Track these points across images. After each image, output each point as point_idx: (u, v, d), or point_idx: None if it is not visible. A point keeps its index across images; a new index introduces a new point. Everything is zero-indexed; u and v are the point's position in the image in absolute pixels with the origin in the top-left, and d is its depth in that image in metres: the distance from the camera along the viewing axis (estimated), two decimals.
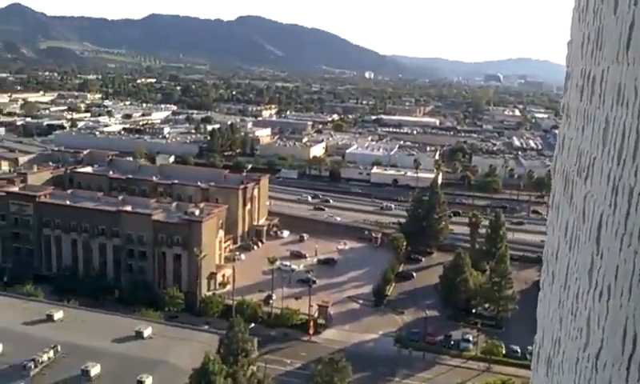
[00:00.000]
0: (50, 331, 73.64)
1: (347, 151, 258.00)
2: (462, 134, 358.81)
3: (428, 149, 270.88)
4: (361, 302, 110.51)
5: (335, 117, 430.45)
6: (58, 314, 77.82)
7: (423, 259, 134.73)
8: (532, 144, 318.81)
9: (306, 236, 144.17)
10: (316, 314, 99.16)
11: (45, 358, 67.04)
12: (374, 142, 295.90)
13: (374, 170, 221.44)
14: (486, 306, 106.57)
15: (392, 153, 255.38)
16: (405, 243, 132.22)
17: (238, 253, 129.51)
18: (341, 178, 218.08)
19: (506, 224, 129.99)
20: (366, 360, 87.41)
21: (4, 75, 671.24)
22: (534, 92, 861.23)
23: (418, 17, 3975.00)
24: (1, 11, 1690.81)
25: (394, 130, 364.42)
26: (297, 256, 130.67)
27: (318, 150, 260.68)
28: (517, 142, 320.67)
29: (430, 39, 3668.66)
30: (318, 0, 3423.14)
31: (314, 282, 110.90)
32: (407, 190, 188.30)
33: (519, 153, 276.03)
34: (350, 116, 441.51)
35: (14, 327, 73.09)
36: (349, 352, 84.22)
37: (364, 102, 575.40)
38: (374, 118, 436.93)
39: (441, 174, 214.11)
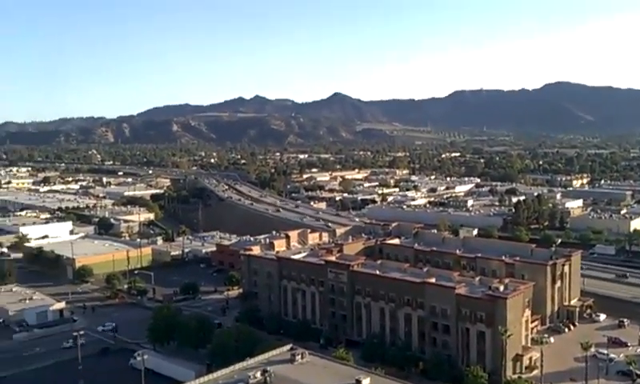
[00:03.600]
0: None
1: None
2: None
3: None
4: None
5: None
6: (366, 381, 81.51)
7: None
8: None
9: (627, 321, 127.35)
10: None
11: None
12: None
13: None
14: None
15: None
16: None
17: (546, 335, 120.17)
18: None
19: None
20: None
21: (326, 156, 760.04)
22: None
23: None
24: (326, 100, 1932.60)
25: None
26: (616, 343, 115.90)
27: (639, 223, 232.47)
28: None
29: None
30: (631, 60, 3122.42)
31: (638, 375, 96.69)
32: None
33: None
34: None
35: None
36: None
37: None
38: None
39: None
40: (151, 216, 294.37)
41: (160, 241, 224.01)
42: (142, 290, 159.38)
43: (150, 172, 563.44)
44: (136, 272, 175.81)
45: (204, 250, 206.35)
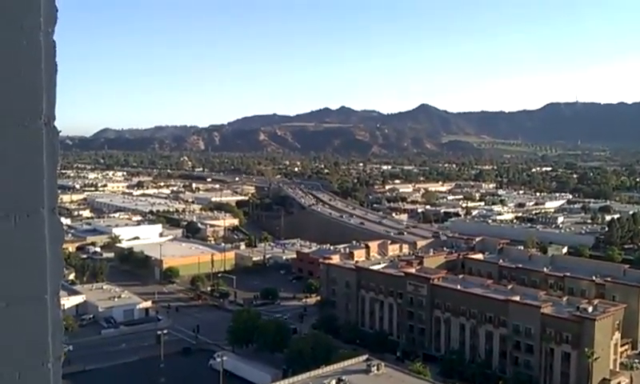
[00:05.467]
0: None
1: None
2: None
3: None
4: None
5: None
6: None
7: None
8: None
9: None
10: None
11: None
12: None
13: None
14: None
15: None
16: None
17: (637, 360, 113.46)
18: None
19: None
20: None
21: (410, 167, 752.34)
22: None
23: None
24: (412, 111, 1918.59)
25: None
26: None
27: None
28: None
29: None
30: None
31: None
32: None
33: None
34: None
35: None
36: None
37: None
38: None
39: None
40: (236, 222, 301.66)
41: (243, 246, 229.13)
42: (224, 293, 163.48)
43: (237, 179, 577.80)
44: (219, 275, 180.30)
45: (284, 257, 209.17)
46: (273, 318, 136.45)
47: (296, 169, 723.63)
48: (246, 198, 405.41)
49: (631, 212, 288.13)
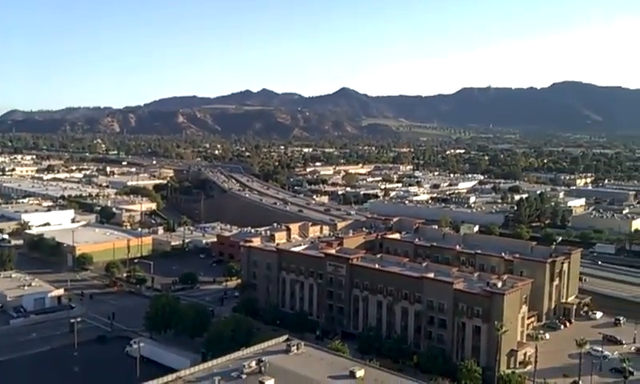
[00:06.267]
0: None
1: None
2: None
3: None
4: None
5: None
6: (360, 372, 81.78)
7: None
8: None
9: (622, 319, 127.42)
10: None
11: None
12: None
13: None
14: None
15: None
16: None
17: (542, 331, 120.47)
18: None
19: None
20: None
21: (331, 150, 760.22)
22: None
23: None
24: (333, 95, 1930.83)
25: None
26: (610, 341, 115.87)
27: None
28: None
29: None
30: None
31: (631, 373, 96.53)
32: None
33: None
34: None
35: (320, 379, 79.14)
36: None
37: None
38: None
39: None
40: (153, 206, 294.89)
41: (161, 231, 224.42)
42: (141, 279, 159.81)
43: (154, 162, 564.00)
44: (136, 261, 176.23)
45: (204, 241, 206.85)
46: (192, 302, 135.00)
47: (216, 152, 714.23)
48: (164, 181, 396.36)
49: (538, 192, 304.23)
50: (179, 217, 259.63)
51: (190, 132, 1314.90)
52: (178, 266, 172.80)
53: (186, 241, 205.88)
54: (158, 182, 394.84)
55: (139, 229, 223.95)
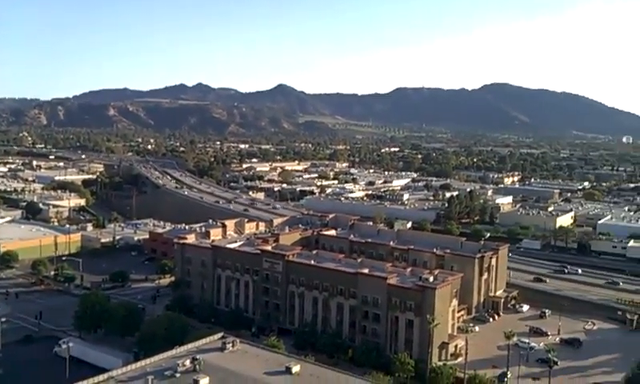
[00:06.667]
0: None
1: (599, 222, 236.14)
2: None
3: None
4: None
5: (586, 184, 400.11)
6: (296, 368, 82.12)
7: None
8: None
9: (547, 312, 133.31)
10: None
11: None
12: (631, 213, 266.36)
13: (631, 243, 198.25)
14: None
15: None
16: None
17: (471, 324, 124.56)
18: (591, 250, 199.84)
19: None
20: None
21: (267, 147, 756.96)
22: None
23: None
24: (270, 91, 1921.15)
25: None
26: (537, 333, 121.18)
27: (565, 220, 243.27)
28: None
29: None
30: (568, 63, 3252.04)
31: (556, 362, 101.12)
32: None
33: None
34: (604, 184, 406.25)
35: (255, 376, 78.96)
36: None
37: (620, 169, 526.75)
38: (632, 186, 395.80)
39: None
40: (82, 202, 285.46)
41: (90, 227, 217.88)
42: (70, 277, 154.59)
43: (83, 157, 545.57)
44: (64, 259, 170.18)
45: (136, 238, 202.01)
46: (123, 300, 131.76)
47: (149, 146, 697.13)
48: (94, 176, 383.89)
49: (468, 189, 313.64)
50: (109, 213, 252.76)
51: (122, 125, 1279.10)
52: (109, 264, 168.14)
53: (117, 238, 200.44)
54: (87, 176, 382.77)
55: (67, 225, 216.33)
